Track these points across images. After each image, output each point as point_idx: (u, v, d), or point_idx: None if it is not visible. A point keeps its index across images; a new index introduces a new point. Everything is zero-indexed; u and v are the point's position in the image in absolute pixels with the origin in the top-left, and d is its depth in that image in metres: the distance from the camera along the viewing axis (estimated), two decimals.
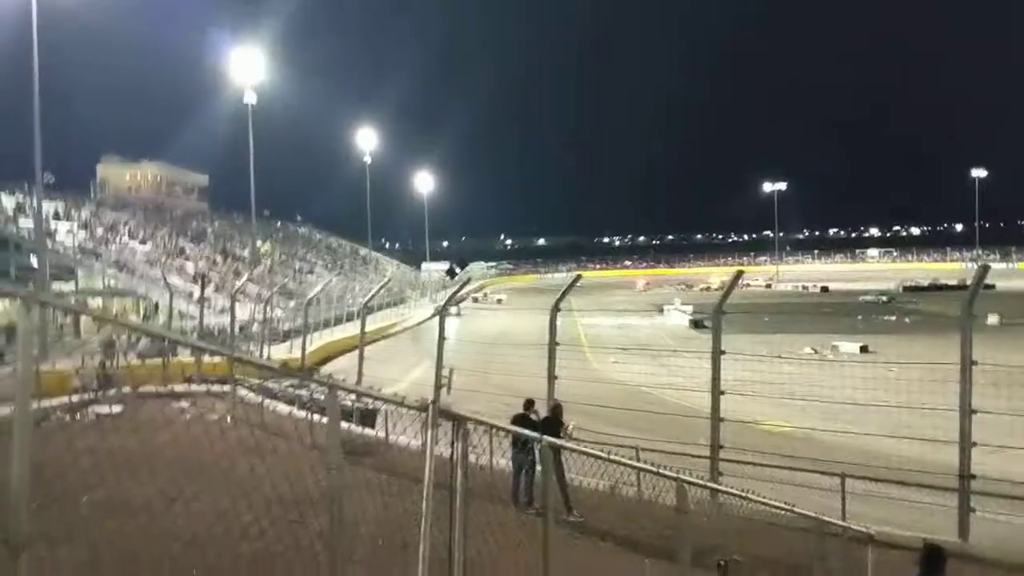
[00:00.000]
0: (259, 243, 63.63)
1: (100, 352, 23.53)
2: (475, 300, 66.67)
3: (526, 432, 7.22)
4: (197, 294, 37.80)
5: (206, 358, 22.74)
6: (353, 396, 15.29)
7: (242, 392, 19.90)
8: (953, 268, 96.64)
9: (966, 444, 10.47)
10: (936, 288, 68.50)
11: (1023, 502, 10.92)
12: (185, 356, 24.04)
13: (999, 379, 12.35)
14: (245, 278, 38.75)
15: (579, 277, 16.37)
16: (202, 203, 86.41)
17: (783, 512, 7.67)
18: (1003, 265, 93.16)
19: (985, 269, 12.19)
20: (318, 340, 35.73)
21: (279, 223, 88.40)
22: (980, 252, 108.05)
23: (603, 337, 38.80)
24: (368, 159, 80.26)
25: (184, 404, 18.67)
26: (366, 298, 26.76)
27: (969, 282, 11.75)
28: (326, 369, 28.64)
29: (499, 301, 67.63)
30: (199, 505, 7.22)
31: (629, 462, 6.70)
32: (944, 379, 11.34)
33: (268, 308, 34.29)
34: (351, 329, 37.26)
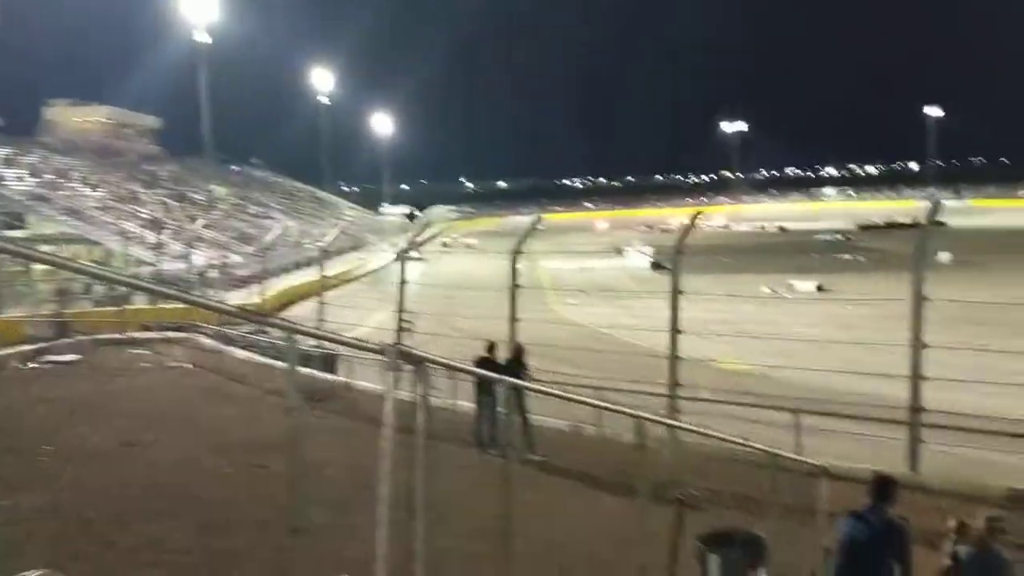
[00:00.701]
0: (214, 187, 62.60)
1: (54, 300, 23.18)
2: (445, 245, 66.31)
3: (488, 374, 7.28)
4: (152, 240, 37.22)
5: (163, 304, 22.50)
6: (314, 341, 15.27)
7: (200, 339, 19.76)
8: (907, 206, 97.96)
9: (916, 378, 10.74)
10: (890, 226, 69.46)
11: (970, 434, 11.28)
12: (141, 303, 23.74)
13: (950, 315, 12.62)
14: (200, 222, 38.19)
15: (539, 219, 16.37)
16: (155, 147, 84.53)
17: (738, 447, 7.84)
18: (956, 202, 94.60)
19: (936, 206, 12.39)
20: (277, 285, 35.44)
21: (235, 166, 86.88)
22: (934, 190, 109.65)
23: (564, 279, 38.99)
24: (325, 100, 79.02)
25: (141, 351, 18.51)
26: (324, 242, 26.55)
27: (922, 220, 11.93)
28: (286, 315, 28.48)
29: (469, 246, 67.41)
30: (158, 451, 7.21)
31: (590, 400, 6.79)
32: (897, 316, 11.58)
33: (224, 253, 33.87)
34: (311, 275, 36.98)
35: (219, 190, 65.09)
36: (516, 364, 12.23)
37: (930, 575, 6.81)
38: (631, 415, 6.04)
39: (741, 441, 7.81)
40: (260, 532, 6.02)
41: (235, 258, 39.29)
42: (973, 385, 11.98)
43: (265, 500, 6.45)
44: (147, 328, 21.22)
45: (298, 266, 40.72)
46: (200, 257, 36.35)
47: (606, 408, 6.80)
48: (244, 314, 4.21)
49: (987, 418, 10.94)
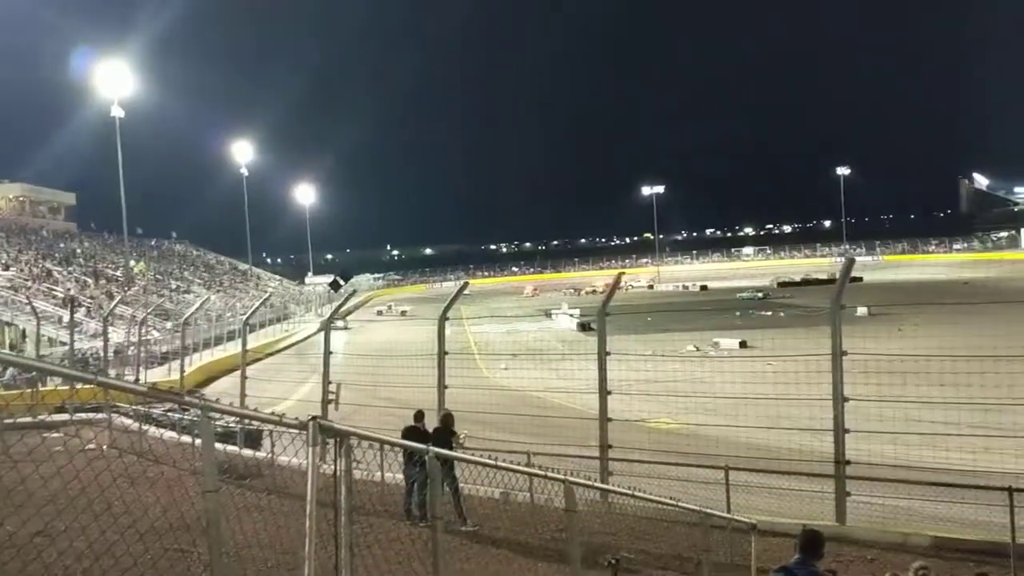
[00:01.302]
0: (132, 263, 61.24)
1: None
2: (379, 313, 65.64)
3: (413, 445, 7.17)
4: (67, 319, 36.07)
5: (79, 385, 21.72)
6: (237, 418, 14.86)
7: (118, 419, 19.07)
8: (823, 263, 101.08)
9: (839, 431, 10.96)
10: (808, 283, 71.42)
11: (894, 484, 11.51)
12: (56, 384, 22.87)
13: (869, 367, 12.95)
14: (117, 300, 37.20)
15: (466, 284, 16.41)
16: (70, 223, 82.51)
17: (670, 507, 7.84)
18: (869, 258, 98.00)
19: (851, 262, 12.80)
20: (198, 361, 34.59)
21: (153, 241, 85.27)
22: (848, 247, 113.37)
23: (493, 343, 38.94)
24: (245, 171, 78.51)
25: (54, 435, 17.75)
26: (246, 315, 26.08)
27: (838, 276, 12.30)
28: (209, 391, 27.75)
29: (403, 313, 66.85)
30: (70, 539, 6.87)
31: (518, 468, 6.72)
32: (818, 370, 11.83)
33: (143, 330, 33.00)
34: (232, 348, 36.20)
35: (137, 265, 63.70)
36: (445, 432, 12.09)
37: None
38: (560, 480, 6.00)
39: (672, 502, 7.82)
40: None
41: (154, 334, 38.31)
42: (896, 436, 12.27)
43: None
44: (61, 410, 20.41)
45: (220, 340, 39.86)
46: (118, 334, 35.31)
47: (534, 474, 6.72)
48: (157, 393, 4.08)
49: (910, 468, 11.19)
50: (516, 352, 34.49)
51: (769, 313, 49.73)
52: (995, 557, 8.19)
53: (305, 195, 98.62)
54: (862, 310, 37.32)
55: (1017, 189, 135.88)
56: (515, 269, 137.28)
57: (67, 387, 22.20)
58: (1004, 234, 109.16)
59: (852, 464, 10.90)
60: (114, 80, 49.09)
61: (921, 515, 10.48)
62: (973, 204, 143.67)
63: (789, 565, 6.06)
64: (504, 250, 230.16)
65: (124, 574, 6.11)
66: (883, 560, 7.85)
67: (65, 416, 19.56)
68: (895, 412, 12.67)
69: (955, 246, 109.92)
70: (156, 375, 31.03)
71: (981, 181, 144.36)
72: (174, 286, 63.67)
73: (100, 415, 19.31)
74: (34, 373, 22.26)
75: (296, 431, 3.72)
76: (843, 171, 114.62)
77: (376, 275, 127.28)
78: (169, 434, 17.21)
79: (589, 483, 7.41)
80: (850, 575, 6.82)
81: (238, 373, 22.72)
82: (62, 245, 63.68)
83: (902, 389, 13.86)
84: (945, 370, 13.24)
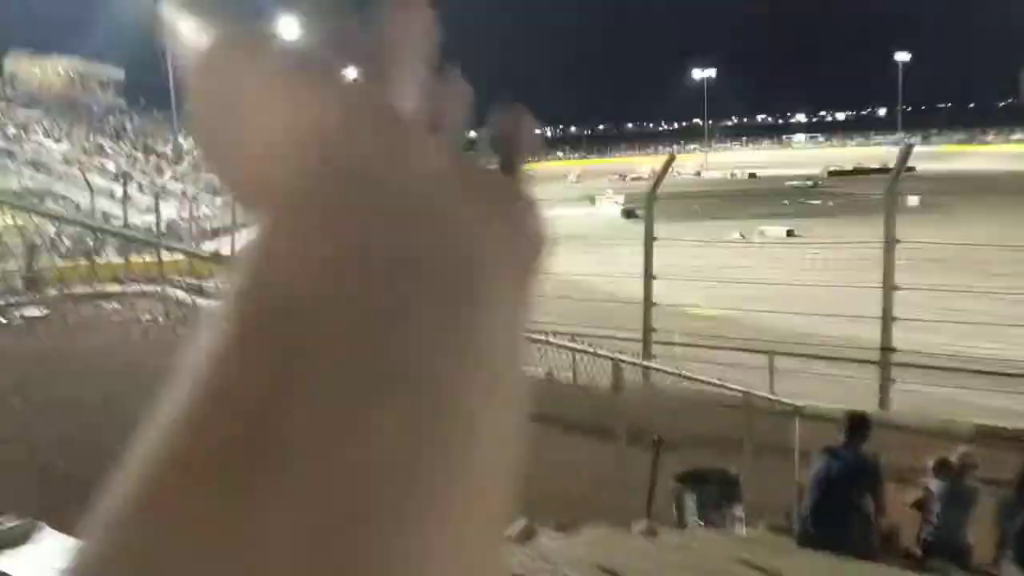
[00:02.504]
0: (182, 139, 61.63)
1: (23, 254, 22.82)
2: None
3: None
4: (119, 193, 36.67)
5: (134, 257, 22.23)
6: None
7: (172, 292, 19.56)
8: (876, 152, 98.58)
9: (887, 319, 10.93)
10: (859, 172, 69.90)
11: (939, 372, 11.51)
12: (113, 257, 23.44)
13: (918, 256, 12.78)
14: (168, 175, 37.65)
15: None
16: (119, 98, 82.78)
17: (713, 389, 7.94)
18: (924, 148, 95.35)
19: (908, 149, 12.48)
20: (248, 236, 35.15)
21: None
22: (903, 135, 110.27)
23: None
24: None
25: (115, 305, 18.32)
26: None
27: (891, 165, 12.02)
28: None
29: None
30: (133, 403, 7.19)
31: (566, 343, 6.83)
32: (867, 259, 11.71)
33: (193, 205, 33.49)
34: None
35: (187, 142, 64.07)
36: None
37: (900, 509, 6.98)
38: (607, 357, 6.09)
39: (716, 382, 7.91)
40: None
41: (204, 210, 38.86)
42: (942, 326, 12.18)
43: None
44: (118, 281, 20.97)
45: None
46: (169, 210, 35.90)
47: (581, 351, 6.85)
48: (215, 257, 4.18)
49: (955, 357, 11.15)
50: (560, 236, 34.51)
51: (818, 202, 48.96)
52: None
53: None
54: (913, 199, 36.54)
55: None
56: (559, 154, 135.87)
57: (121, 259, 22.75)
58: None
59: (898, 352, 10.90)
60: None
61: (966, 404, 10.50)
62: None
63: (834, 446, 6.16)
64: (548, 134, 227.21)
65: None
66: (925, 446, 7.92)
67: (121, 288, 20.11)
68: (945, 302, 12.55)
69: (1013, 136, 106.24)
70: (209, 248, 31.62)
71: None
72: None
73: (155, 287, 19.80)
74: (90, 243, 22.82)
75: None
76: (902, 56, 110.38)
77: None
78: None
79: (634, 361, 7.52)
80: (892, 459, 6.90)
81: None
82: (112, 120, 64.13)
83: (953, 279, 13.70)
84: (996, 260, 13.04)
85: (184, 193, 39.70)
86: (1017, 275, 11.85)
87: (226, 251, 28.74)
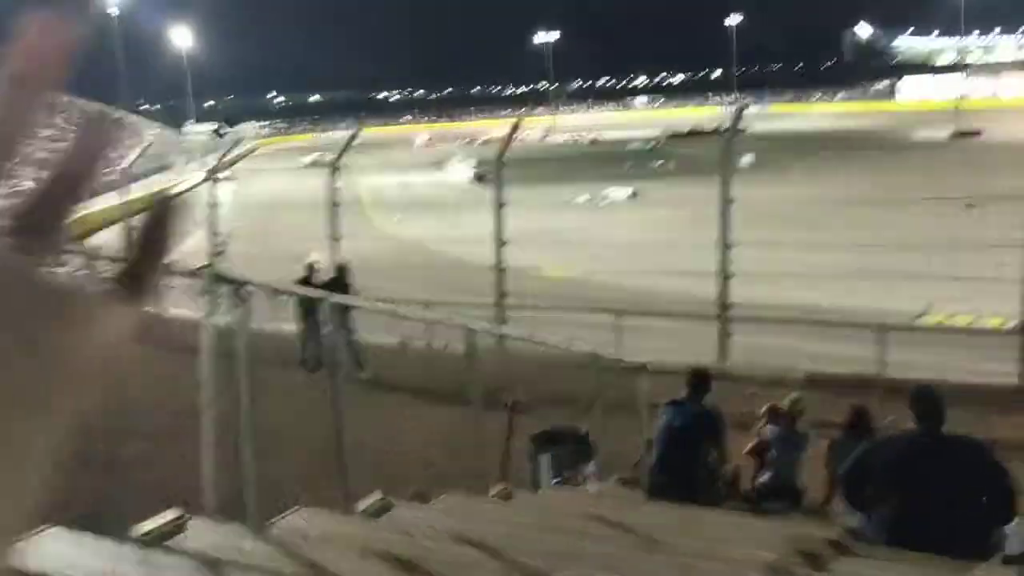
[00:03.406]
0: None
1: None
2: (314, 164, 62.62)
3: (310, 291, 7.11)
4: None
5: None
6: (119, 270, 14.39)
7: None
8: (714, 112, 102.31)
9: (724, 276, 11.43)
10: (697, 134, 72.31)
11: (773, 325, 12.16)
12: None
13: (751, 214, 13.39)
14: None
15: (358, 133, 15.98)
16: None
17: (562, 352, 8.09)
18: (757, 108, 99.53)
19: (740, 111, 13.00)
20: (78, 214, 33.11)
21: None
22: (738, 96, 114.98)
23: (386, 195, 38.51)
24: (115, 11, 73.39)
25: None
26: (125, 164, 24.91)
27: (727, 126, 12.50)
28: (89, 243, 26.71)
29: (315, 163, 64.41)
30: None
31: (417, 313, 6.78)
32: (706, 218, 12.17)
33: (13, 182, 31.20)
34: (112, 200, 34.74)
35: None
36: (340, 283, 12.00)
37: (740, 456, 7.35)
38: (457, 325, 6.08)
39: (564, 344, 8.06)
40: (74, 472, 5.71)
41: (28, 185, 36.31)
42: (774, 279, 12.86)
43: (82, 436, 6.13)
44: None
45: (97, 192, 38.10)
46: None
47: (433, 320, 6.82)
48: None
49: (789, 308, 11.81)
50: (410, 203, 34.26)
51: (659, 163, 50.47)
52: (865, 389, 8.81)
53: (182, 37, 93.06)
54: (747, 159, 38.13)
55: (898, 40, 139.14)
56: (408, 118, 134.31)
57: None
58: (882, 85, 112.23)
59: (734, 307, 11.43)
60: None
61: (798, 353, 11.14)
62: (856, 55, 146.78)
63: (678, 400, 6.40)
64: (396, 98, 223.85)
65: None
66: (761, 394, 8.36)
67: None
68: (777, 256, 13.22)
69: (838, 96, 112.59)
70: None
71: (864, 32, 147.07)
72: (46, 135, 59.88)
73: None
74: None
75: (190, 281, 3.62)
76: (736, 18, 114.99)
77: (262, 123, 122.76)
78: None
79: (486, 327, 7.56)
80: (731, 408, 7.24)
81: (117, 227, 21.90)
82: None
83: (783, 233, 14.44)
84: (823, 215, 13.83)
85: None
86: (841, 227, 12.62)
87: None
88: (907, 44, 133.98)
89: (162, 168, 56.65)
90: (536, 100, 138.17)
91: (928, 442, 4.46)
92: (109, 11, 72.60)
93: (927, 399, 4.57)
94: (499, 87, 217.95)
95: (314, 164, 59.88)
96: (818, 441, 7.14)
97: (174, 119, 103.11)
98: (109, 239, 25.98)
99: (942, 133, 52.30)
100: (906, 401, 4.66)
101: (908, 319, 12.42)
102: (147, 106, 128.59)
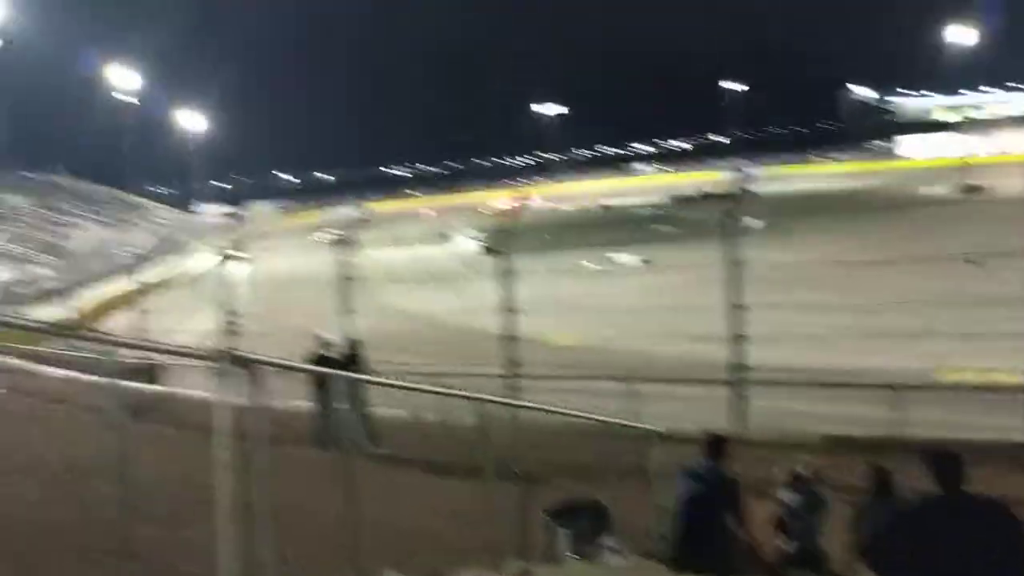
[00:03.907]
0: (10, 196, 58.13)
1: None
2: (317, 239, 62.49)
3: (323, 370, 7.14)
4: None
5: None
6: (136, 352, 14.48)
7: (8, 360, 18.33)
8: (716, 177, 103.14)
9: (736, 339, 11.40)
10: (703, 198, 72.81)
11: (789, 387, 12.08)
12: None
13: (762, 276, 13.43)
14: None
15: (366, 209, 16.19)
16: None
17: (577, 420, 8.04)
18: (760, 171, 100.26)
19: (743, 175, 13.13)
20: (90, 297, 33.41)
21: (34, 175, 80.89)
22: (739, 160, 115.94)
23: (395, 269, 38.74)
24: (130, 99, 75.01)
25: None
26: (140, 249, 25.19)
27: (731, 190, 12.62)
28: (103, 327, 26.89)
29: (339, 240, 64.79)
30: None
31: (429, 387, 6.77)
32: (715, 281, 12.20)
33: (28, 268, 31.57)
34: (126, 283, 35.06)
35: (15, 199, 60.50)
36: (352, 358, 12.03)
37: (760, 522, 7.24)
38: (470, 398, 6.07)
39: (576, 413, 8.02)
40: (86, 559, 5.65)
41: (41, 271, 36.73)
42: (785, 340, 12.83)
43: (96, 522, 6.08)
44: None
45: (111, 275, 38.50)
46: (2, 273, 33.74)
47: (445, 393, 6.81)
48: (53, 329, 3.92)
49: (803, 371, 11.74)
50: (419, 276, 34.45)
51: (665, 228, 50.73)
52: (883, 450, 8.71)
53: (192, 122, 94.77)
54: (752, 221, 38.33)
55: (894, 99, 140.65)
56: (413, 192, 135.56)
57: None
58: (883, 143, 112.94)
59: (749, 370, 11.37)
60: None
61: (814, 415, 11.04)
62: (854, 115, 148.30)
63: (696, 468, 6.33)
64: (402, 174, 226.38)
65: (33, 513, 5.96)
66: (778, 459, 8.27)
67: None
68: (789, 318, 13.22)
69: (840, 157, 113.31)
70: (46, 313, 29.84)
71: (860, 92, 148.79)
72: (57, 220, 60.79)
73: None
74: None
75: (205, 362, 3.64)
76: (732, 85, 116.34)
77: (270, 202, 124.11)
78: (61, 372, 16.68)
79: (498, 399, 7.53)
80: (749, 474, 7.16)
81: (133, 309, 22.05)
82: None
83: (791, 295, 14.45)
84: (832, 276, 13.84)
85: (16, 255, 37.42)
86: (848, 289, 12.62)
87: (62, 313, 27.21)
88: (905, 103, 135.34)
89: (174, 249, 57.32)
90: (539, 169, 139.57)
91: (949, 504, 4.39)
92: (124, 98, 74.11)
93: (946, 460, 4.52)
94: (502, 158, 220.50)
95: (323, 241, 60.31)
96: (837, 505, 7.04)
97: (184, 201, 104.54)
98: (124, 322, 26.14)
99: (946, 190, 52.52)
100: (924, 461, 4.60)
101: (921, 378, 12.33)
102: (158, 189, 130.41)
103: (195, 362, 3.87)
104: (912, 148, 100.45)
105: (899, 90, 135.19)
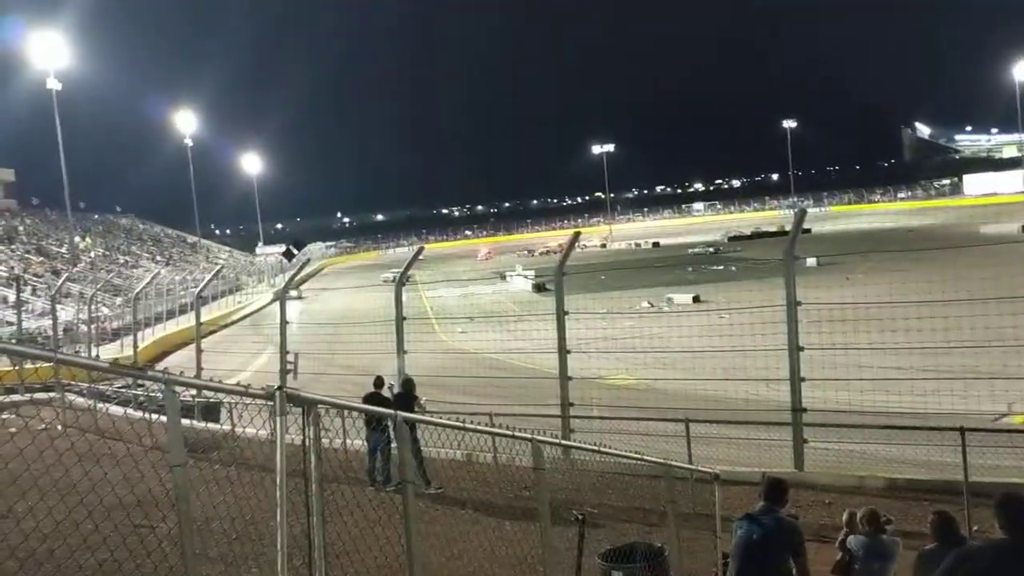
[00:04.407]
0: (77, 239, 59.94)
1: None
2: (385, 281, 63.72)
3: (379, 410, 7.17)
4: (13, 298, 35.24)
5: (28, 364, 21.28)
6: (194, 391, 14.71)
7: (71, 397, 18.78)
8: (772, 215, 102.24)
9: (795, 380, 11.18)
10: (758, 236, 72.23)
11: (849, 429, 11.79)
12: (3, 365, 22.40)
13: (821, 316, 13.18)
14: (64, 277, 36.43)
15: (421, 249, 16.36)
16: (9, 200, 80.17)
17: (633, 461, 7.94)
18: (817, 209, 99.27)
19: (802, 213, 12.97)
20: (151, 336, 34.10)
21: (97, 216, 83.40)
22: (796, 199, 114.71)
23: (449, 308, 38.90)
24: (189, 142, 77.13)
25: (6, 416, 17.43)
26: (198, 288, 25.70)
27: (788, 228, 12.46)
28: (162, 365, 27.41)
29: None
30: (47, 523, 6.79)
31: (482, 428, 6.74)
32: (771, 320, 12.02)
33: (92, 307, 32.39)
34: (185, 322, 35.70)
35: (83, 242, 62.37)
36: (407, 397, 12.09)
37: (822, 567, 7.04)
38: (525, 438, 6.04)
39: (634, 455, 7.92)
40: None
41: (104, 310, 37.65)
42: (845, 382, 12.53)
43: (151, 561, 6.15)
44: (11, 391, 20.03)
45: (171, 314, 39.30)
46: (67, 312, 34.64)
47: (498, 434, 6.77)
48: (118, 369, 4.01)
49: (864, 413, 11.45)
50: (472, 315, 34.52)
51: (721, 267, 50.30)
52: (948, 495, 8.44)
53: (252, 164, 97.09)
54: (811, 260, 37.83)
55: (958, 137, 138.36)
56: (468, 232, 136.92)
57: (19, 367, 21.74)
58: (947, 181, 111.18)
59: (808, 412, 11.13)
60: (48, 51, 47.63)
61: (876, 458, 10.75)
62: (916, 153, 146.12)
63: (754, 512, 6.19)
64: (456, 214, 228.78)
65: (92, 552, 6.05)
66: (840, 503, 8.05)
67: (17, 397, 19.21)
68: (848, 359, 12.94)
69: (899, 195, 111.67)
70: (108, 352, 30.53)
71: (923, 130, 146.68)
72: (122, 261, 62.47)
73: (53, 394, 18.99)
74: None
75: (262, 401, 3.68)
76: (789, 123, 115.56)
77: (328, 243, 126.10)
78: (124, 410, 17.01)
79: (554, 440, 7.47)
80: (810, 519, 6.98)
81: (192, 347, 22.44)
82: (3, 223, 62.00)
83: (853, 336, 14.14)
84: (893, 316, 13.53)
85: (82, 294, 38.43)
86: (911, 329, 12.31)
87: (127, 352, 27.77)
88: (967, 140, 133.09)
89: (234, 289, 58.46)
90: (593, 209, 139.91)
91: (1017, 549, 4.25)
92: (185, 141, 76.29)
93: (1014, 506, 4.37)
94: (555, 199, 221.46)
95: (379, 280, 61.05)
96: (904, 549, 6.81)
97: (245, 242, 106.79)
98: (183, 360, 26.61)
99: (1013, 227, 51.24)
100: (994, 506, 4.47)
101: (988, 421, 11.95)
102: (218, 231, 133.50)
103: (254, 401, 3.91)
104: (977, 186, 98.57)
105: (964, 128, 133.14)
